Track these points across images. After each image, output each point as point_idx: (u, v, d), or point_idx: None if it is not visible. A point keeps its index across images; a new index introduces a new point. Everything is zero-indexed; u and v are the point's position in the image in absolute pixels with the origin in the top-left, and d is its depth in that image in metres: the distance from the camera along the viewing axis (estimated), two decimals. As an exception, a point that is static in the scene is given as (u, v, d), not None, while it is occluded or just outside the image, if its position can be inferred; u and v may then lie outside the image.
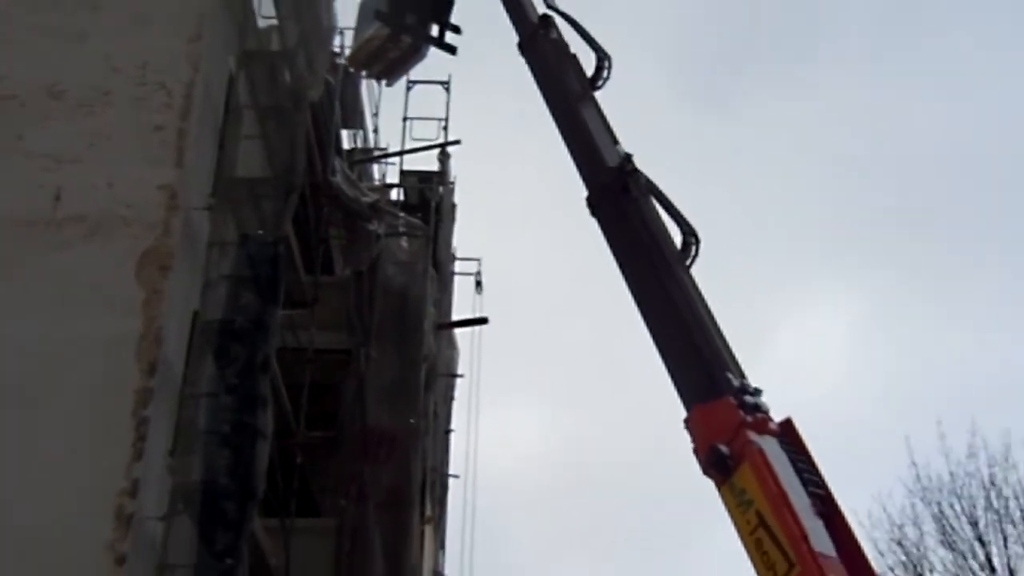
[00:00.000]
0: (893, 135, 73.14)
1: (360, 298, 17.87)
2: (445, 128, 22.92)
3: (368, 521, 16.26)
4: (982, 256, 72.44)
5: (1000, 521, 26.81)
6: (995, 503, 26.92)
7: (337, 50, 16.83)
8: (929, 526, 27.37)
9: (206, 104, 13.33)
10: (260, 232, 13.42)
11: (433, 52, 15.75)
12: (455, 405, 27.31)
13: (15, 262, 12.00)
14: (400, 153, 22.86)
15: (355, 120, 21.27)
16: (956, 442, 27.49)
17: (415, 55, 15.51)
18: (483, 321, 24.50)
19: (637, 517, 69.66)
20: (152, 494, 11.34)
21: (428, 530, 22.88)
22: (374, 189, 21.64)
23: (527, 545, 65.23)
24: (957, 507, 27.18)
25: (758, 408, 9.45)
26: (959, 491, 27.28)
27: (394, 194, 22.90)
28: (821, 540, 8.52)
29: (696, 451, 9.52)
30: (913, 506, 27.81)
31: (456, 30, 15.19)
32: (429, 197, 22.57)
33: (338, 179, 17.80)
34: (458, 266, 25.84)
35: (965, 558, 26.84)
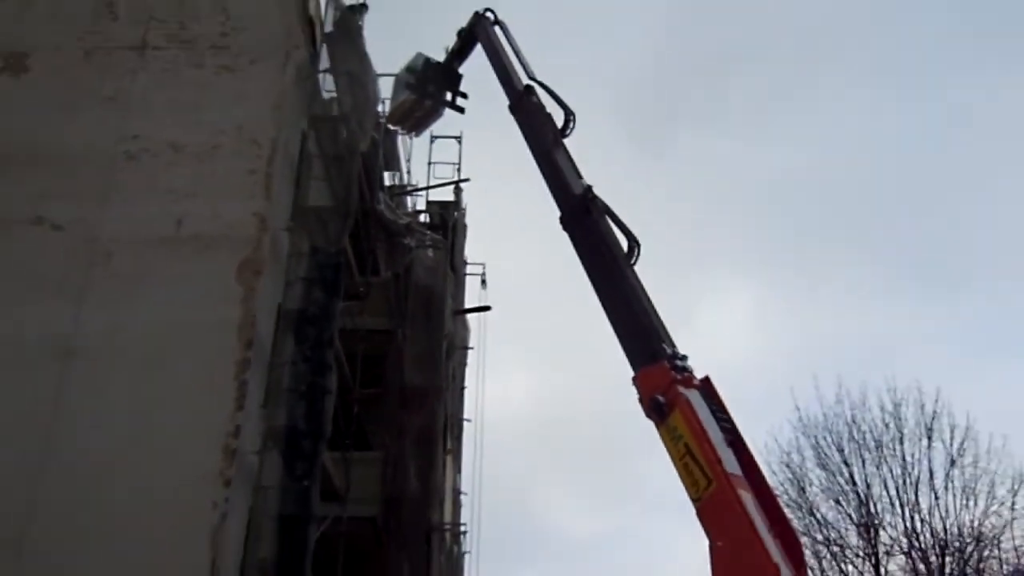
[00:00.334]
0: (779, 171, 73.30)
1: (398, 292, 17.86)
2: (458, 169, 22.86)
3: (405, 453, 16.26)
4: (845, 256, 72.57)
5: (859, 448, 26.81)
6: (855, 435, 26.95)
7: (380, 114, 16.79)
8: (808, 453, 27.34)
9: (286, 154, 13.30)
10: (325, 246, 13.43)
11: (449, 113, 15.70)
12: (467, 370, 27.25)
13: (151, 270, 12.00)
14: (426, 188, 22.82)
15: (394, 164, 21.21)
16: (827, 392, 27.55)
17: (435, 114, 15.43)
18: (487, 308, 24.44)
19: (598, 448, 69.79)
20: (250, 435, 11.37)
21: (449, 459, 22.84)
22: (408, 214, 21.57)
23: (519, 467, 65.39)
24: (828, 439, 27.17)
25: (685, 369, 9.38)
26: (830, 427, 27.23)
27: (422, 218, 22.84)
28: (731, 463, 8.49)
29: (641, 400, 9.46)
30: (796, 439, 27.72)
31: (464, 96, 15.10)
32: (447, 219, 22.53)
33: (382, 207, 17.76)
34: (468, 269, 25.73)
35: (834, 475, 26.84)
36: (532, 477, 66.63)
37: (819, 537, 26.45)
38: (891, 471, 26.31)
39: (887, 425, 26.81)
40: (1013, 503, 25.14)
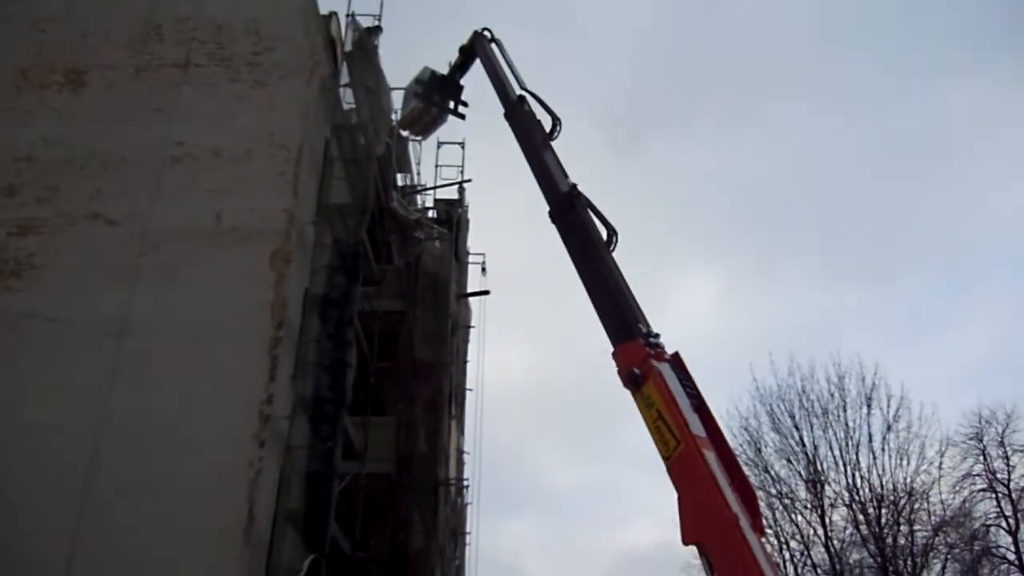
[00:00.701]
0: (741, 174, 73.25)
1: (409, 278, 17.80)
2: (462, 171, 22.71)
3: (416, 418, 16.26)
4: (797, 249, 72.74)
5: (808, 415, 27.08)
6: (805, 403, 27.18)
7: (393, 122, 16.76)
8: (764, 419, 27.61)
9: (311, 158, 13.31)
10: (346, 238, 13.44)
11: (452, 119, 15.63)
12: (469, 346, 27.30)
13: (194, 259, 12.02)
14: (434, 188, 22.75)
15: (405, 167, 21.16)
16: (781, 365, 27.85)
17: (440, 120, 15.31)
18: (486, 293, 24.38)
19: (582, 413, 70.12)
20: (281, 402, 11.41)
21: (454, 424, 22.93)
22: (418, 210, 21.52)
23: (514, 430, 65.64)
24: (781, 406, 27.42)
25: (657, 345, 9.34)
26: (783, 396, 27.52)
27: (431, 213, 22.79)
28: (696, 427, 8.49)
29: (619, 372, 9.42)
30: (754, 406, 28.06)
31: (465, 104, 15.03)
32: (452, 215, 22.45)
33: (395, 204, 17.72)
34: (471, 258, 25.71)
35: (786, 438, 27.11)
36: (525, 438, 67.00)
37: (773, 491, 26.75)
38: (835, 434, 26.58)
39: (832, 394, 27.09)
40: (940, 463, 25.51)
